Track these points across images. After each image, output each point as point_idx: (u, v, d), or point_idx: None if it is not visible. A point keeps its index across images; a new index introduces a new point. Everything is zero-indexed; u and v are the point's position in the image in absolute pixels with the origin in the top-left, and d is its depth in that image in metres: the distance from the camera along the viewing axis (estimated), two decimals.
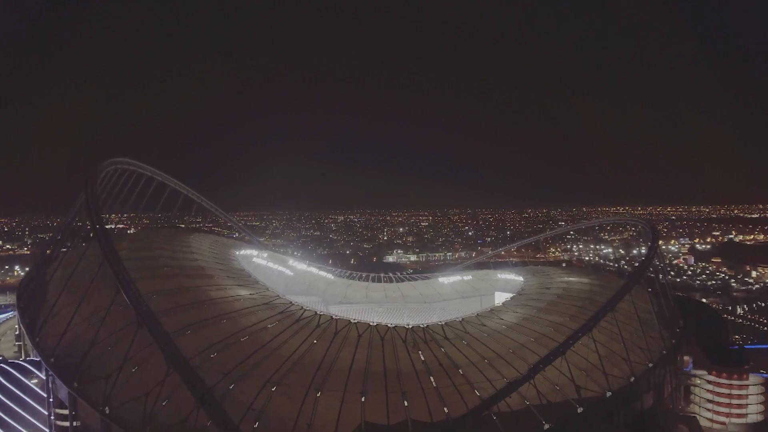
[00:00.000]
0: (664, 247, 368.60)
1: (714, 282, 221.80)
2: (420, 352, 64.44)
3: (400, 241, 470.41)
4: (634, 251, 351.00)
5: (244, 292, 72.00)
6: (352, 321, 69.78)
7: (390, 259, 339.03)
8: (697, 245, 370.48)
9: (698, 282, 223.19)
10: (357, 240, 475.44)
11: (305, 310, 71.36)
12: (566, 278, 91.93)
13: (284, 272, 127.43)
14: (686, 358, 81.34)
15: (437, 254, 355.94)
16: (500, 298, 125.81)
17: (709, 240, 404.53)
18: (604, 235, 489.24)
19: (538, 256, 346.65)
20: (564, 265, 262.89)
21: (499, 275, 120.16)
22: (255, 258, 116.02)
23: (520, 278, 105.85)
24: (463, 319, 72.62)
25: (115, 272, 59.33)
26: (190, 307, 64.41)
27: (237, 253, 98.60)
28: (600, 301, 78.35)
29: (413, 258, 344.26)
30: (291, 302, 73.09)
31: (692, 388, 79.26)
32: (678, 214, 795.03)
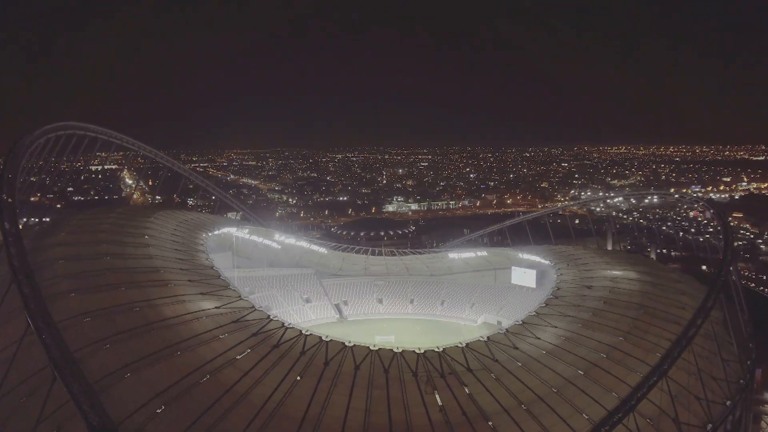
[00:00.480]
0: (676, 195, 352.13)
1: (739, 243, 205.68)
2: (436, 392, 49.39)
3: (400, 185, 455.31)
4: (646, 200, 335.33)
5: (208, 305, 56.21)
6: (347, 344, 54.26)
7: (390, 208, 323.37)
8: (712, 194, 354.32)
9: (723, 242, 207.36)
10: (355, 184, 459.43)
11: (287, 327, 55.73)
12: (608, 271, 76.18)
13: (270, 245, 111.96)
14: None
15: (439, 202, 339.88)
16: (518, 274, 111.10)
17: (722, 188, 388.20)
18: (611, 180, 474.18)
19: (547, 205, 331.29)
20: (577, 221, 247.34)
21: (519, 255, 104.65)
22: (236, 232, 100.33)
23: (547, 262, 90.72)
24: (488, 338, 57.19)
25: (23, 295, 43.59)
26: (133, 334, 48.67)
27: (209, 235, 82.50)
28: (656, 309, 63.16)
29: (414, 207, 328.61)
30: (269, 316, 57.48)
31: (763, 416, 64.79)
32: (681, 154, 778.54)
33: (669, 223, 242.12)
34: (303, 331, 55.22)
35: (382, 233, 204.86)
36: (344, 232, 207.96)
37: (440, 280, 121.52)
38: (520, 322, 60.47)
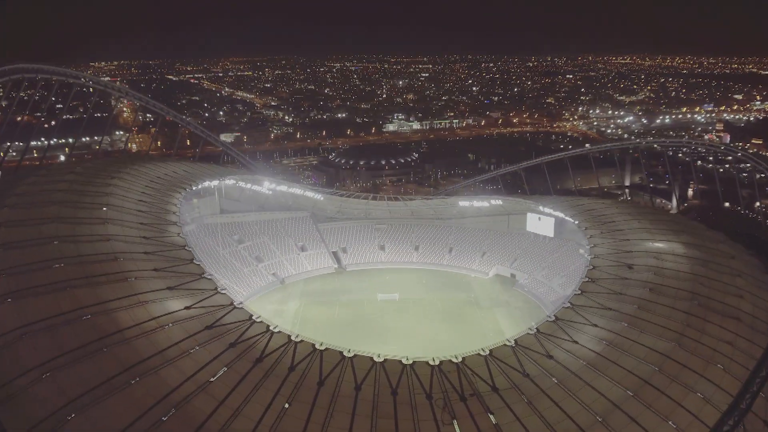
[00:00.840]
0: (689, 116, 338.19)
1: (761, 175, 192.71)
2: (455, 422, 40.47)
3: (400, 100, 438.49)
4: (657, 120, 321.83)
5: (177, 305, 46.28)
6: (346, 355, 44.65)
7: (391, 127, 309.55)
8: (725, 114, 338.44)
9: (744, 174, 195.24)
10: (354, 98, 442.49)
11: (273, 332, 46.07)
12: (649, 242, 65.74)
13: (260, 191, 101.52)
14: None
15: (442, 121, 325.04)
16: (534, 221, 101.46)
17: (735, 107, 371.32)
18: (618, 95, 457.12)
19: (555, 126, 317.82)
20: (588, 145, 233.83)
21: (541, 208, 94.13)
22: (219, 183, 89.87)
23: (572, 221, 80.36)
24: (516, 342, 47.60)
25: None
26: (81, 355, 39.06)
27: (183, 194, 71.19)
28: (711, 299, 53.73)
29: (416, 126, 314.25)
30: (251, 316, 47.67)
31: None
32: (687, 66, 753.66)
33: (684, 149, 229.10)
34: (292, 337, 45.64)
35: (383, 162, 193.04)
36: (343, 161, 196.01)
37: (448, 225, 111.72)
38: (553, 318, 50.81)
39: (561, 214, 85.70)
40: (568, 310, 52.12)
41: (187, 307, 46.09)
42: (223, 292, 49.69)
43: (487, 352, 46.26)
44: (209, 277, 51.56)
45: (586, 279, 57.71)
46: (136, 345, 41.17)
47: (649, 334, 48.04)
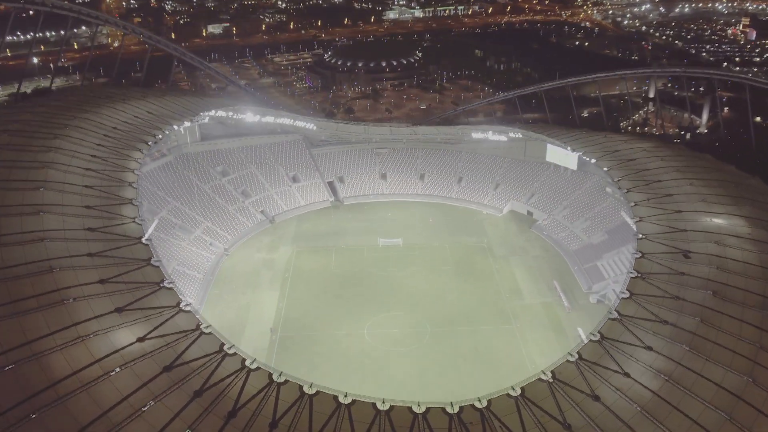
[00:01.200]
0: (710, 5, 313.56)
1: None
2: None
3: None
4: (676, 10, 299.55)
5: (128, 336, 36.44)
6: (342, 401, 35.49)
7: (391, 15, 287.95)
8: (748, 5, 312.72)
9: None
10: None
11: (250, 369, 36.71)
12: (706, 218, 54.34)
13: (243, 119, 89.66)
14: None
15: (447, 8, 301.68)
16: (555, 150, 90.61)
17: None
18: None
19: (569, 15, 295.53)
20: (607, 43, 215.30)
21: (569, 149, 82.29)
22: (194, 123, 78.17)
23: (611, 179, 68.92)
24: (554, 377, 38.39)
25: None
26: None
27: (145, 151, 59.34)
28: None
29: (418, 13, 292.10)
30: (221, 345, 38.11)
31: None
32: None
33: (708, 47, 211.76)
34: (275, 377, 36.31)
35: (383, 63, 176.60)
36: (339, 61, 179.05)
37: (457, 150, 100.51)
38: (597, 338, 41.31)
39: (593, 161, 74.10)
40: (616, 324, 42.62)
41: (140, 339, 36.38)
42: (187, 309, 39.71)
43: (518, 391, 37.14)
44: (170, 285, 41.32)
45: (634, 274, 47.73)
46: (72, 406, 31.80)
47: (716, 362, 38.80)
